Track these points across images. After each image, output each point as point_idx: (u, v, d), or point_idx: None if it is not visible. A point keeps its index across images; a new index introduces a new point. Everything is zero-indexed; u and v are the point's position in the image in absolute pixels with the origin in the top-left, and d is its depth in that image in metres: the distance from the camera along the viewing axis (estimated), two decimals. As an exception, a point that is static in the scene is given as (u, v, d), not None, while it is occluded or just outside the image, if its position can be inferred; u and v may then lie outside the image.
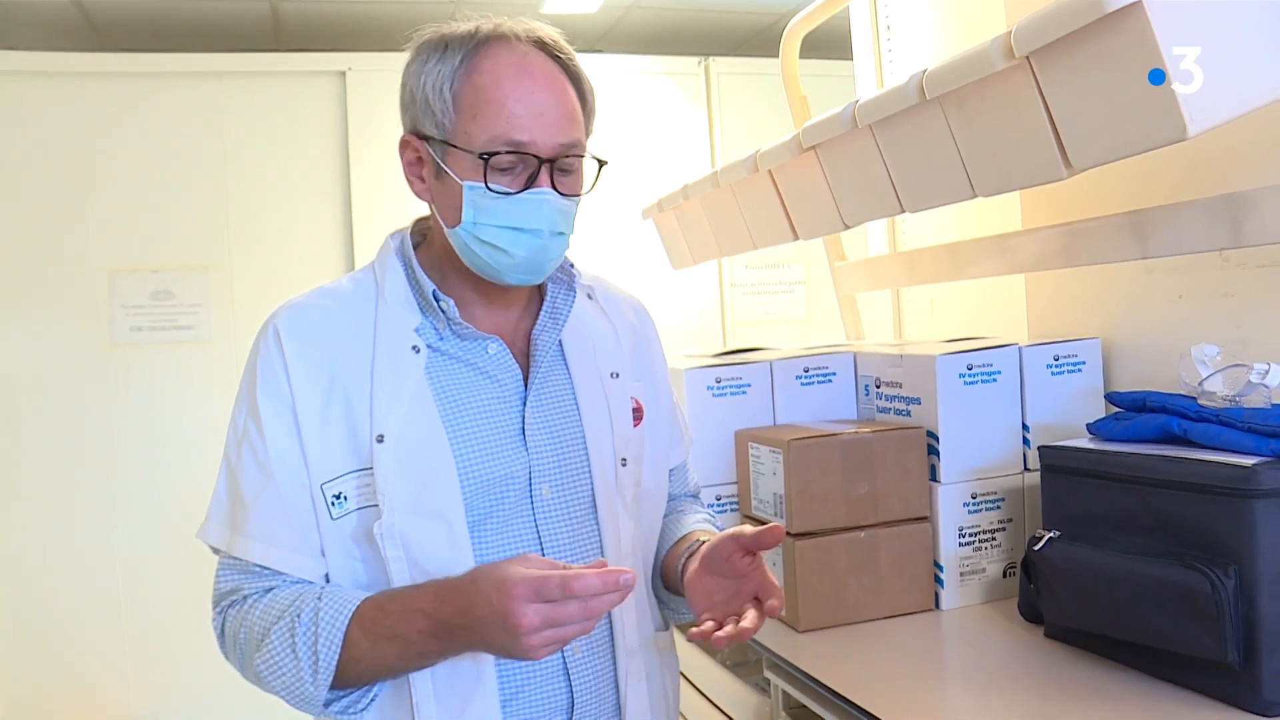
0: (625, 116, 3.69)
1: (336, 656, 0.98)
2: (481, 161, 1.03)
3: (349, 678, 1.01)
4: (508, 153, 1.03)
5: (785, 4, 3.56)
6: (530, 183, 1.04)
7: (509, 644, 0.92)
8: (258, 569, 1.05)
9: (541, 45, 1.07)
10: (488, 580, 0.93)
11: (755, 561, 1.06)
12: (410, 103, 1.08)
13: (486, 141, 1.03)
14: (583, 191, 1.10)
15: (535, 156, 1.04)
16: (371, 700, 1.04)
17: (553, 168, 1.05)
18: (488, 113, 1.03)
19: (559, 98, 1.06)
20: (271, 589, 1.05)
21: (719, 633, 1.01)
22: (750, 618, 1.01)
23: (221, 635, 1.08)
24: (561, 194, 1.06)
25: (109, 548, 3.27)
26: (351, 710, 1.03)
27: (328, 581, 1.06)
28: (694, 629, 1.03)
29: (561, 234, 1.08)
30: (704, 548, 1.10)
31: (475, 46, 1.06)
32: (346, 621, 0.99)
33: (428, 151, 1.08)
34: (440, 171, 1.07)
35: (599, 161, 1.11)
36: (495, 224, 1.05)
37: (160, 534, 3.26)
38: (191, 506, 3.08)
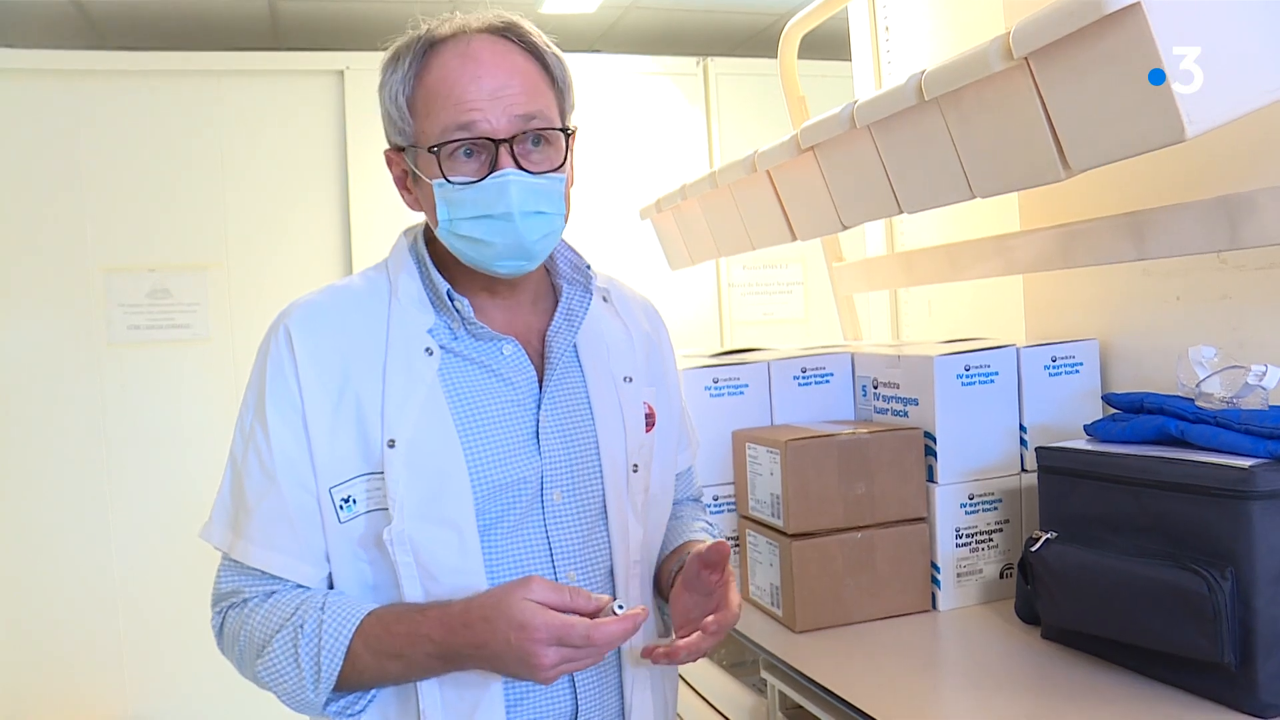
0: (623, 117, 3.67)
1: (338, 669, 0.99)
2: (435, 156, 1.01)
3: (350, 685, 1.01)
4: (458, 140, 1.01)
5: (784, 4, 3.56)
6: (493, 168, 1.01)
7: (523, 674, 0.96)
8: (258, 572, 1.05)
9: (493, 30, 1.05)
10: (504, 621, 0.94)
11: (721, 579, 1.07)
12: (383, 118, 1.09)
13: (439, 134, 1.01)
14: (561, 164, 1.05)
15: (491, 140, 1.01)
16: (369, 701, 1.04)
17: (513, 147, 1.01)
18: (437, 106, 1.02)
19: (509, 74, 1.02)
20: (273, 593, 1.04)
21: (658, 652, 1.04)
22: (684, 642, 1.04)
23: (220, 634, 1.08)
24: (531, 172, 1.02)
25: (104, 547, 3.26)
26: (349, 711, 1.04)
27: (330, 585, 1.06)
28: (646, 648, 1.06)
29: (541, 213, 1.03)
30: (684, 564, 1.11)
31: (424, 50, 1.04)
32: (350, 635, 0.99)
33: (404, 161, 1.08)
34: (416, 178, 1.07)
35: (564, 132, 1.06)
36: (467, 216, 1.03)
37: (156, 533, 3.25)
38: (188, 505, 3.09)
